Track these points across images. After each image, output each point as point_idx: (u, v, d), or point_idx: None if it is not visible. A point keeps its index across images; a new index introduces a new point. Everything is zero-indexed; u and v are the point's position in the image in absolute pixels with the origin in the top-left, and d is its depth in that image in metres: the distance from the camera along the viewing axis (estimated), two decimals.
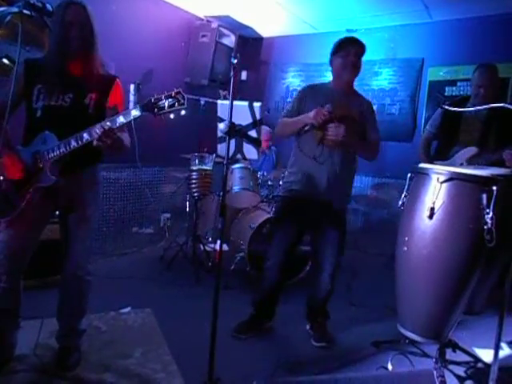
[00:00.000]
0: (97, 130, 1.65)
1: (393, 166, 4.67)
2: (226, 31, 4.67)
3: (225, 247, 4.17)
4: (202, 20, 4.71)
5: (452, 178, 1.67)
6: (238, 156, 1.76)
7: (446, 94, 4.31)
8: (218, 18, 4.67)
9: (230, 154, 1.78)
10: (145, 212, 4.54)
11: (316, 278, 2.46)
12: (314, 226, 2.45)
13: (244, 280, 3.35)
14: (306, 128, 2.16)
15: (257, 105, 1.74)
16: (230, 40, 4.74)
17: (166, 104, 1.65)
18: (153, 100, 1.66)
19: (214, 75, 4.60)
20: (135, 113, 1.66)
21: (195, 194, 3.02)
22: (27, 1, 1.35)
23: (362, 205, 4.95)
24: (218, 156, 2.99)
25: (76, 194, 1.86)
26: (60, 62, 1.75)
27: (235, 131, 1.65)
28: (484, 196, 1.60)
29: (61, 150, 1.70)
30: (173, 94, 1.66)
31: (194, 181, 3.01)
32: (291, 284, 3.21)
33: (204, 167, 3.11)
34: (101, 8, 1.83)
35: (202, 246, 3.65)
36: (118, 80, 1.94)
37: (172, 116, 1.66)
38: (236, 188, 3.38)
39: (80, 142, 1.68)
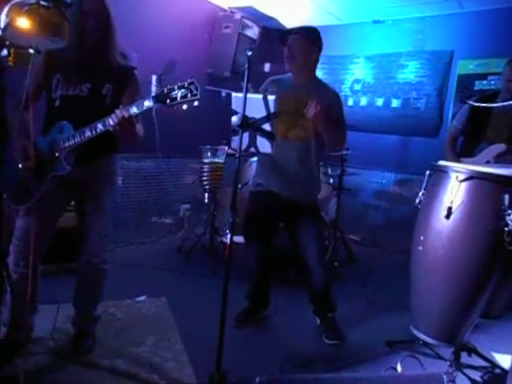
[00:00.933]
0: (110, 120, 1.67)
1: (417, 162, 4.55)
2: (249, 22, 4.63)
3: (242, 239, 4.17)
4: (226, 11, 4.68)
5: (472, 176, 1.60)
6: (252, 149, 1.74)
7: (475, 88, 4.15)
8: (242, 8, 4.62)
9: (244, 147, 1.77)
10: (165, 202, 4.60)
11: (306, 271, 2.45)
12: (286, 219, 2.48)
13: None
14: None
15: (271, 98, 1.71)
16: (253, 31, 4.69)
17: (179, 95, 1.62)
18: (165, 91, 1.64)
19: (237, 67, 4.57)
20: (148, 103, 1.66)
21: (206, 187, 3.04)
22: None
23: (383, 201, 4.85)
24: (231, 149, 2.98)
25: (91, 183, 1.89)
26: (78, 52, 1.77)
27: (248, 124, 1.62)
28: (506, 196, 1.53)
29: (76, 140, 1.72)
30: (186, 85, 1.63)
31: (205, 173, 3.02)
32: (303, 280, 3.18)
33: (216, 160, 3.11)
34: None
35: (219, 238, 3.67)
36: (135, 71, 1.95)
37: (185, 107, 1.64)
38: (252, 180, 3.36)
39: (94, 132, 1.70)
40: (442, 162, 1.83)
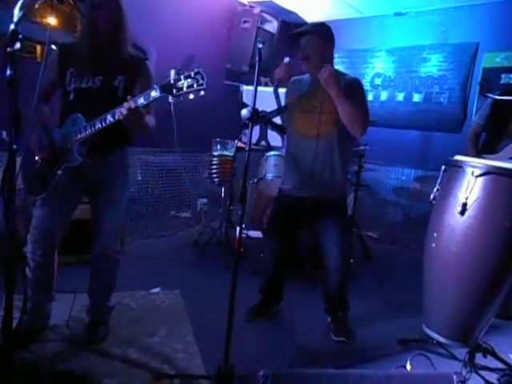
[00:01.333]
0: (119, 111, 1.69)
1: (439, 158, 4.40)
2: (268, 17, 4.60)
3: (258, 234, 4.19)
4: (245, 5, 4.67)
5: (488, 172, 1.55)
6: (263, 143, 1.74)
7: (501, 82, 4.00)
8: (261, 3, 4.60)
9: (255, 140, 1.76)
10: (182, 196, 4.65)
11: (324, 271, 2.43)
12: (309, 219, 2.44)
13: None
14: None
15: (282, 91, 1.69)
16: (272, 26, 4.66)
17: (185, 84, 1.61)
18: (172, 81, 1.64)
19: (255, 62, 4.55)
20: (154, 94, 1.67)
21: (215, 180, 3.04)
22: None
23: (403, 198, 4.76)
24: (242, 142, 2.97)
25: (104, 175, 1.92)
26: (90, 45, 1.79)
27: (259, 118, 1.61)
28: None
29: (87, 132, 1.75)
30: (192, 75, 1.62)
31: (214, 166, 3.02)
32: (318, 276, 3.15)
33: (225, 153, 3.10)
34: None
35: (234, 232, 3.69)
36: (147, 62, 1.95)
37: (191, 97, 1.63)
38: (270, 175, 3.37)
39: (104, 124, 1.72)
40: (457, 157, 1.78)
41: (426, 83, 4.43)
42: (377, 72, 4.77)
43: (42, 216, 1.87)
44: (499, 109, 2.84)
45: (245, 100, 1.72)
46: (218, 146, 3.05)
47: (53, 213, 1.88)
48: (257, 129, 1.73)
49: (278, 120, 1.73)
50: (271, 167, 3.38)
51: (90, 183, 1.94)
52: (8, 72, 1.25)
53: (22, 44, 1.25)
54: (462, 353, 2.10)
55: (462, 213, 1.57)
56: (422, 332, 2.27)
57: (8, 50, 1.24)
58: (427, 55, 4.40)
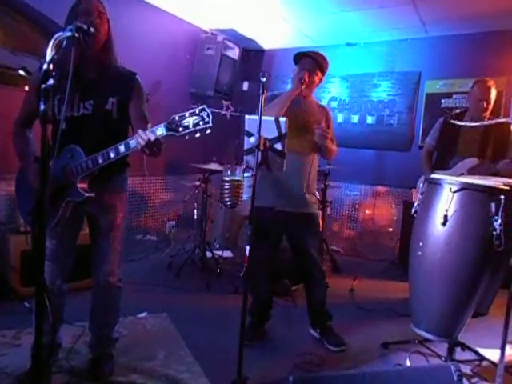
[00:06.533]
0: (121, 148, 1.65)
1: (391, 175, 4.86)
2: (230, 44, 4.81)
3: (229, 254, 4.28)
4: (207, 33, 4.85)
5: (464, 187, 1.82)
6: (263, 167, 1.87)
7: (442, 105, 4.51)
8: (223, 31, 4.81)
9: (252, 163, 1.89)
10: (149, 220, 4.63)
11: (309, 281, 2.57)
12: (287, 232, 2.57)
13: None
14: None
15: (282, 120, 1.86)
16: (233, 52, 4.87)
17: (191, 122, 1.56)
18: (177, 118, 1.58)
19: (219, 86, 4.74)
20: (160, 132, 1.61)
21: (228, 203, 3.14)
22: (79, 26, 1.42)
23: (361, 212, 5.10)
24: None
25: (105, 202, 1.88)
26: (76, 69, 1.58)
27: (264, 145, 1.76)
28: (493, 204, 1.75)
29: (89, 167, 1.69)
30: (197, 111, 1.57)
31: (226, 191, 3.12)
32: (296, 290, 3.30)
33: (235, 178, 3.22)
34: (113, 21, 1.84)
35: (210, 253, 3.75)
36: (137, 76, 1.87)
37: (198, 135, 1.56)
38: (245, 196, 3.49)
39: (107, 159, 1.67)
40: (435, 176, 2.04)
41: (378, 107, 4.86)
42: (333, 96, 5.14)
43: (51, 248, 1.82)
44: (448, 131, 3.23)
45: (247, 128, 1.85)
46: (228, 172, 3.16)
47: (61, 243, 1.85)
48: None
49: (278, 146, 1.88)
50: (246, 188, 3.51)
51: (92, 211, 1.89)
52: (41, 107, 1.28)
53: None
54: (438, 349, 2.35)
55: (444, 223, 1.82)
56: (396, 335, 2.50)
57: (43, 86, 1.28)
58: (377, 81, 4.85)
